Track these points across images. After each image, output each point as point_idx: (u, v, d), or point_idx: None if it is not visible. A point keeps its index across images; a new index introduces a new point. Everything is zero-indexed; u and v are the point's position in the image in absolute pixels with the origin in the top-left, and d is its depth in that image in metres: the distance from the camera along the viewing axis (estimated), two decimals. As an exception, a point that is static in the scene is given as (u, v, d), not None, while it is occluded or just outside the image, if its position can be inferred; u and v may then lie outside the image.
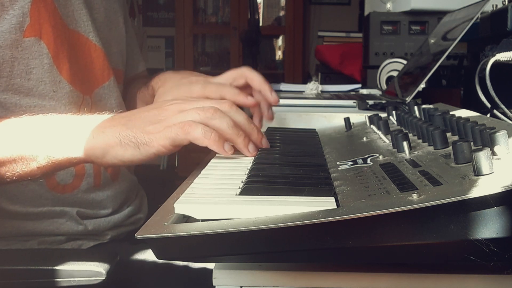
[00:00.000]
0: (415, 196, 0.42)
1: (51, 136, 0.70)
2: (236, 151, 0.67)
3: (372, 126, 0.79)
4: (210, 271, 0.48)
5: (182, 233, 0.43)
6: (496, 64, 0.81)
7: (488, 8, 1.01)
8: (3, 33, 0.77)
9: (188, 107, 0.66)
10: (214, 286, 0.49)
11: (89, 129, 0.67)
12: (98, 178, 0.93)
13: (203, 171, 0.60)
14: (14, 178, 0.70)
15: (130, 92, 1.09)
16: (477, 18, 1.00)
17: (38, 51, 0.81)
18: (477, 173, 0.44)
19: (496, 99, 0.76)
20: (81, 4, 0.91)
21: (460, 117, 0.65)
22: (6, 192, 0.83)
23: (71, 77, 0.86)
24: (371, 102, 1.11)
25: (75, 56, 0.89)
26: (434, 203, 0.40)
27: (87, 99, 0.91)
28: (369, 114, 0.83)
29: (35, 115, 0.72)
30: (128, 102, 1.06)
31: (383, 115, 0.82)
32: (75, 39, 0.89)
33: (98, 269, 0.71)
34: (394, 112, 0.84)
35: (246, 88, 0.91)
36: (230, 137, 0.65)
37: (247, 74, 0.90)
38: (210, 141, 0.63)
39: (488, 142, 0.49)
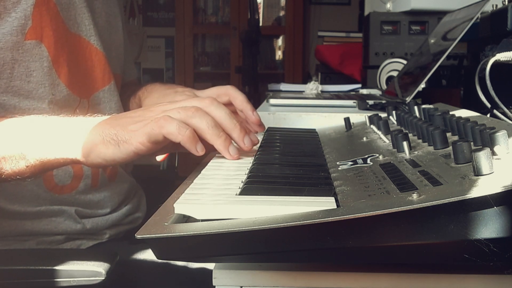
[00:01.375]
0: (415, 196, 0.42)
1: (40, 136, 0.70)
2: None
3: (372, 126, 0.79)
4: (210, 271, 0.48)
5: (182, 233, 0.43)
6: (496, 64, 0.81)
7: (488, 8, 1.01)
8: (5, 35, 0.77)
9: (172, 107, 0.66)
10: (214, 286, 0.49)
11: (78, 129, 0.67)
12: (96, 179, 0.93)
13: (203, 171, 0.60)
14: (2, 176, 0.70)
15: (123, 100, 1.09)
16: (477, 18, 1.00)
17: (38, 54, 0.81)
18: (477, 173, 0.44)
19: (496, 99, 0.76)
20: (84, 8, 0.91)
21: (460, 117, 0.65)
22: (4, 192, 0.84)
23: (69, 80, 0.86)
24: (371, 102, 1.11)
25: (75, 59, 0.89)
26: (434, 203, 0.40)
27: (84, 102, 0.91)
28: (369, 114, 0.83)
29: (26, 115, 0.72)
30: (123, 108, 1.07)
31: (383, 115, 0.82)
32: (76, 42, 0.89)
33: (97, 269, 0.71)
34: (394, 112, 0.84)
35: (228, 106, 0.92)
36: (209, 137, 0.64)
37: (231, 93, 0.90)
38: (184, 137, 0.62)
39: (488, 142, 0.49)
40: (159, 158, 0.79)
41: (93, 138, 0.65)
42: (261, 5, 4.30)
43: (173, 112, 0.64)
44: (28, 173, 0.70)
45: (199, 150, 0.63)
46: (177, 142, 0.62)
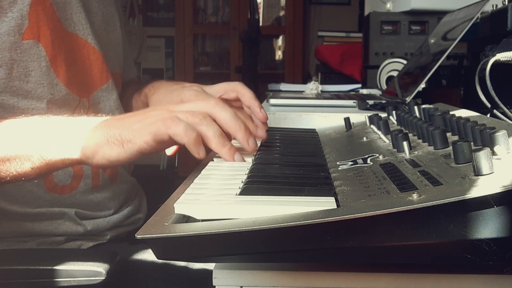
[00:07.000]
0: (415, 196, 0.42)
1: (45, 137, 0.69)
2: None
3: (372, 126, 0.79)
4: (210, 271, 0.49)
5: (182, 233, 0.43)
6: (496, 64, 0.81)
7: (488, 8, 1.01)
8: (2, 35, 0.77)
9: (179, 109, 0.66)
10: (214, 286, 0.49)
11: (82, 130, 0.67)
12: (97, 180, 0.93)
13: (203, 171, 0.60)
14: (8, 178, 0.70)
15: (124, 98, 1.09)
16: (477, 18, 1.00)
17: (36, 53, 0.81)
18: (477, 173, 0.44)
19: (496, 99, 0.76)
20: (80, 7, 0.91)
21: (460, 117, 0.65)
22: (4, 193, 0.84)
23: (67, 80, 0.86)
24: (371, 102, 1.11)
25: (73, 58, 0.89)
26: (434, 203, 0.40)
27: (84, 102, 0.91)
28: (369, 114, 0.83)
29: (31, 116, 0.72)
30: (124, 107, 1.07)
31: (383, 115, 0.82)
32: (73, 41, 0.89)
33: (98, 269, 0.71)
34: (394, 112, 0.84)
35: (236, 102, 0.92)
36: (214, 146, 0.64)
37: (239, 89, 0.90)
38: (190, 139, 0.62)
39: (488, 142, 0.49)
40: (169, 152, 0.79)
41: (97, 139, 0.65)
42: (261, 5, 4.30)
43: (180, 114, 0.64)
44: (33, 175, 0.70)
45: (201, 154, 0.64)
46: (181, 144, 0.63)
